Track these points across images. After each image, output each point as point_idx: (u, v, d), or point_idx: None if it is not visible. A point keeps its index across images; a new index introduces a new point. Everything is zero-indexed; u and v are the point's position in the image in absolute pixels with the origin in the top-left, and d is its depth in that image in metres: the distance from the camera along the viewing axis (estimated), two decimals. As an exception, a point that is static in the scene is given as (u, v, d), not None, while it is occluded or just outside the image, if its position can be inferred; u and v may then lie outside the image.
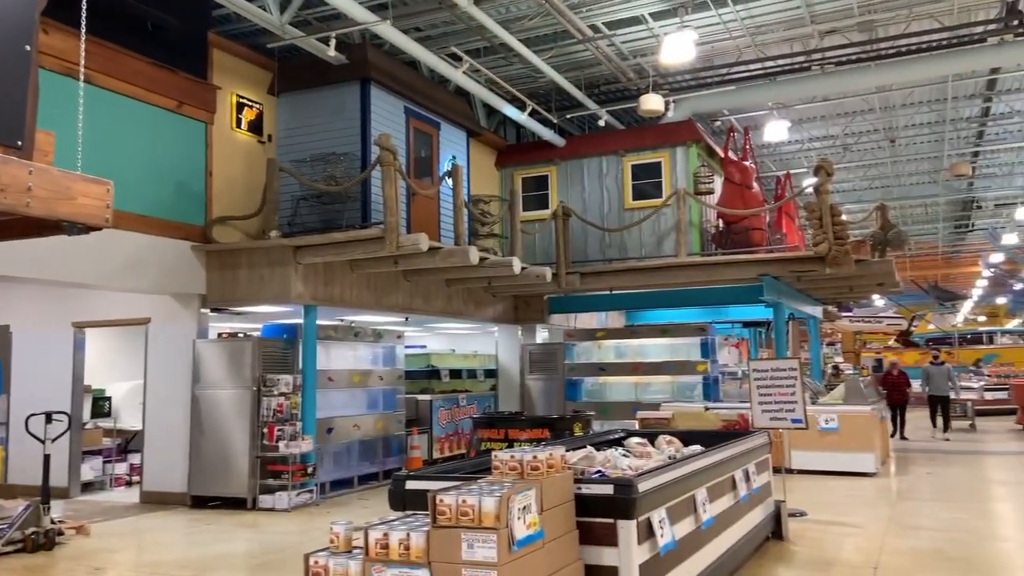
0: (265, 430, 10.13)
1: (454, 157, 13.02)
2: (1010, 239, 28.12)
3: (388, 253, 9.84)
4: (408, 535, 3.73)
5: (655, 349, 14.99)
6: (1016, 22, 12.90)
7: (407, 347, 13.97)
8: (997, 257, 29.11)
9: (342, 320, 13.02)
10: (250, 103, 11.55)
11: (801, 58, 14.21)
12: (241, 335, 11.12)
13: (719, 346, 16.69)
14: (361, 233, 10.17)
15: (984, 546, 7.59)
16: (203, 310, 10.83)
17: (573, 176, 15.43)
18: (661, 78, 14.78)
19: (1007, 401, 21.90)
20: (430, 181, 12.37)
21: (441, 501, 3.72)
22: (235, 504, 10.14)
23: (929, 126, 19.25)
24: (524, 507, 3.77)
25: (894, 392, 17.09)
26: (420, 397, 13.74)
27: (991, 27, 13.05)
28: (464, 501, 3.69)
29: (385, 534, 3.78)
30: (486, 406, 15.04)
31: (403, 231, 10.19)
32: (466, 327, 16.26)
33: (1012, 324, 41.79)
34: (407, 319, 13.74)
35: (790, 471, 11.45)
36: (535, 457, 4.18)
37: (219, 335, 11.31)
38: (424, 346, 17.54)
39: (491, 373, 16.32)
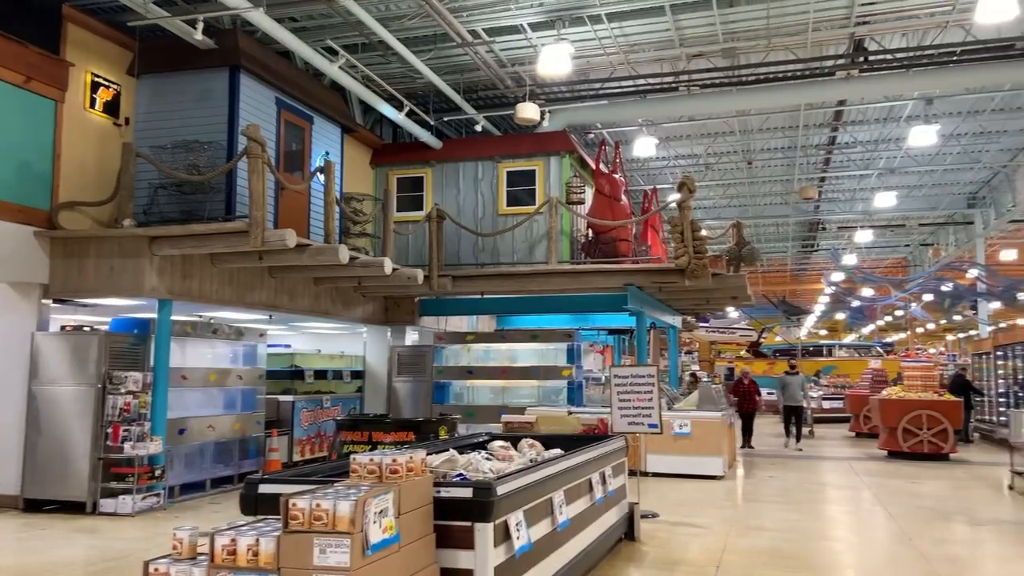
0: (110, 430, 9.53)
1: (327, 153, 12.74)
2: (850, 260, 30.46)
3: (252, 248, 9.49)
4: (257, 541, 3.62)
5: (523, 354, 15.22)
6: (862, 59, 14.03)
7: (270, 346, 13.53)
8: (838, 276, 31.43)
9: (200, 316, 12.46)
10: (107, 83, 10.86)
11: (670, 78, 14.87)
12: (87, 328, 10.41)
13: (585, 352, 17.11)
14: (224, 226, 9.77)
15: (816, 545, 8.16)
16: (45, 301, 10.07)
17: (449, 179, 15.44)
18: (538, 88, 15.06)
19: (842, 410, 23.68)
20: (301, 176, 12.06)
21: (294, 505, 3.63)
22: (74, 508, 9.48)
23: (782, 151, 20.58)
24: (381, 511, 3.73)
25: (744, 401, 17.54)
26: (282, 398, 13.34)
27: (840, 62, 14.12)
28: (318, 505, 3.61)
29: (233, 540, 3.65)
30: (351, 408, 14.78)
31: (270, 226, 9.88)
32: (334, 327, 15.93)
33: (849, 338, 45.27)
34: (271, 317, 13.31)
35: (645, 474, 11.93)
36: (395, 460, 4.15)
37: (62, 328, 10.55)
38: (288, 345, 17.04)
39: (358, 374, 16.06)
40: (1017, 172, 21.34)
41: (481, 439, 7.76)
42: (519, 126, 15.69)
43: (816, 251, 33.36)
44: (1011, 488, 11.72)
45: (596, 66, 14.81)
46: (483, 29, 12.89)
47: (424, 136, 14.94)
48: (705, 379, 23.87)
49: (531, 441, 7.03)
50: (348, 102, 14.45)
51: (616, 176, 15.70)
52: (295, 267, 11.21)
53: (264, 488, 4.64)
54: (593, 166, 15.85)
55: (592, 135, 18.75)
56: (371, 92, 13.35)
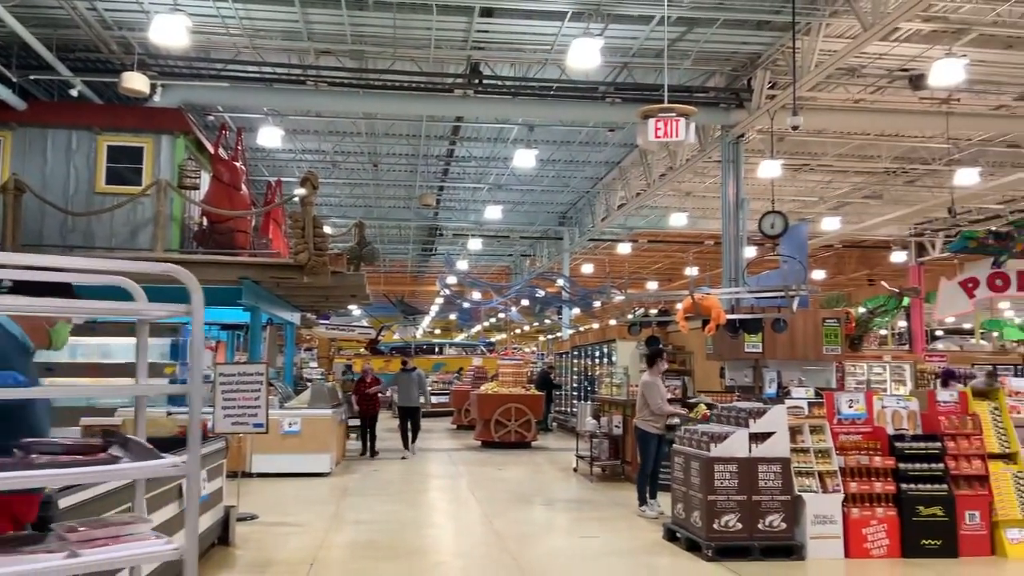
0: None
1: None
2: (462, 265, 32.87)
3: None
4: None
5: (119, 349, 13.71)
6: (477, 81, 15.23)
7: None
8: (451, 280, 33.68)
9: None
10: None
11: (298, 71, 14.64)
12: None
13: (193, 348, 15.97)
14: None
15: (411, 533, 8.62)
16: None
17: (33, 146, 13.33)
18: (150, 58, 13.78)
19: (448, 404, 25.44)
20: None
21: None
22: None
23: (406, 157, 21.48)
24: None
25: (368, 402, 16.05)
26: None
27: (458, 81, 15.16)
28: None
29: None
30: None
31: None
32: None
33: (459, 338, 48.89)
34: None
35: (249, 475, 11.55)
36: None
37: None
38: None
39: None
40: (596, 198, 24.94)
41: (52, 446, 6.81)
42: (126, 97, 14.18)
43: (434, 255, 35.41)
44: (575, 470, 13.61)
45: (219, 45, 14.01)
46: (85, -18, 11.43)
47: (3, 94, 12.73)
48: (318, 377, 23.88)
49: (114, 446, 6.37)
50: None
51: (237, 164, 14.98)
52: None
53: None
54: (212, 150, 14.94)
55: (212, 118, 17.68)
56: (-71, 30, 11.03)
